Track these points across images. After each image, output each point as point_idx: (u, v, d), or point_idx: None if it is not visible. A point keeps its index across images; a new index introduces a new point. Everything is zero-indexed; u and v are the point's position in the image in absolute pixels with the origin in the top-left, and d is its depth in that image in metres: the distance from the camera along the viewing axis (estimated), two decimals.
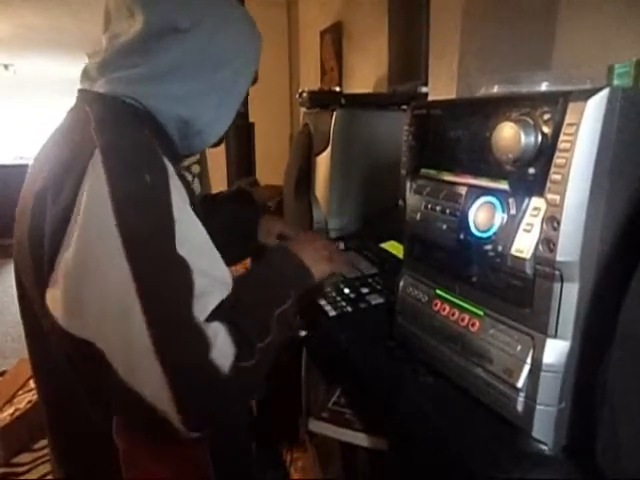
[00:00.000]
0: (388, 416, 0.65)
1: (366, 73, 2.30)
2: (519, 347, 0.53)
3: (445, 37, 1.50)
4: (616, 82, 0.75)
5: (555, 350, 0.50)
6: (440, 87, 1.54)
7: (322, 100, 1.40)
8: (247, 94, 0.77)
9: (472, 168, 0.58)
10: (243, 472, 0.78)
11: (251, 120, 2.50)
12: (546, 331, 0.50)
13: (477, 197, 0.57)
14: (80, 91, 0.68)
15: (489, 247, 0.55)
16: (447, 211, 0.62)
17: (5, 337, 2.96)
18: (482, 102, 0.58)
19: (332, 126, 1.29)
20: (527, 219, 0.50)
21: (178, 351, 0.54)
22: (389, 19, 1.94)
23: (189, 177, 2.49)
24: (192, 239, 0.59)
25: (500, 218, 0.54)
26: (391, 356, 0.72)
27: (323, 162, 1.35)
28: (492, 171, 0.54)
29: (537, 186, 0.48)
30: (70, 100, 0.69)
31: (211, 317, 0.58)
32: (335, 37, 2.62)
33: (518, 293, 0.52)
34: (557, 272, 0.48)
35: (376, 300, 0.89)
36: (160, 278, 0.55)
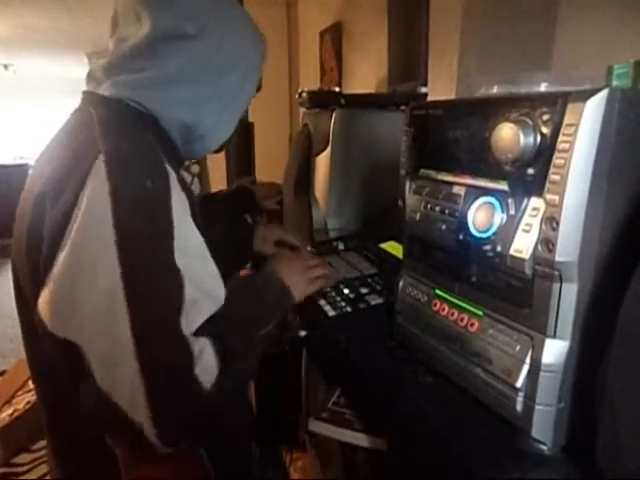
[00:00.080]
0: (388, 416, 0.66)
1: (366, 73, 2.31)
2: (518, 347, 0.53)
3: (445, 37, 1.50)
4: (615, 83, 0.75)
5: (554, 350, 0.50)
6: (440, 87, 1.54)
7: (322, 100, 1.40)
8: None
9: (471, 168, 0.58)
10: (243, 472, 0.78)
11: (251, 120, 2.49)
12: (545, 331, 0.50)
13: (476, 197, 0.57)
14: (85, 93, 0.68)
15: (488, 247, 0.55)
16: (446, 211, 0.62)
17: (4, 337, 2.95)
18: (481, 102, 0.58)
19: (332, 126, 1.29)
20: (526, 219, 0.50)
21: (162, 363, 0.54)
22: (389, 19, 1.94)
23: (189, 177, 2.49)
24: (189, 249, 0.59)
25: (499, 218, 0.54)
26: (391, 356, 0.72)
27: (323, 162, 1.35)
28: (491, 171, 0.54)
29: (536, 186, 0.49)
30: (70, 100, 0.69)
31: (198, 331, 0.58)
32: (335, 37, 2.62)
33: (517, 293, 0.52)
34: (556, 272, 0.48)
35: (375, 300, 0.90)
36: (151, 285, 0.55)
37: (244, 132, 2.44)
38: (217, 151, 0.79)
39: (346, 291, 0.94)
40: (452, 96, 1.32)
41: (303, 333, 0.91)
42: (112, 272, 0.52)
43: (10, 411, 1.97)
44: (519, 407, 0.52)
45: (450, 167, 0.62)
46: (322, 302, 0.90)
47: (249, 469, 0.79)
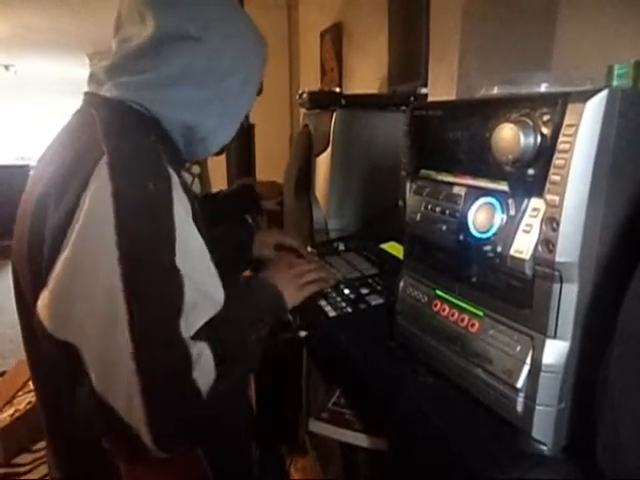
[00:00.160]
0: (388, 416, 0.66)
1: (366, 74, 2.31)
2: (519, 347, 0.53)
3: (445, 38, 1.50)
4: (615, 83, 0.75)
5: (554, 350, 0.50)
6: (440, 88, 1.54)
7: (322, 101, 1.40)
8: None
9: (472, 169, 0.58)
10: (243, 472, 0.78)
11: (251, 121, 2.49)
12: (545, 332, 0.50)
13: (477, 198, 0.57)
14: (87, 94, 0.68)
15: (488, 248, 0.55)
16: (447, 212, 0.62)
17: (4, 338, 2.95)
18: (482, 103, 0.58)
19: (332, 127, 1.29)
20: (526, 220, 0.50)
21: (159, 366, 0.54)
22: (389, 20, 1.94)
23: (189, 178, 2.49)
24: (190, 252, 0.59)
25: (499, 219, 0.54)
26: (391, 356, 0.72)
27: (323, 163, 1.35)
28: (491, 172, 0.54)
29: (536, 187, 0.49)
30: (71, 100, 0.69)
31: (196, 335, 0.58)
32: (335, 38, 2.62)
33: (517, 294, 0.52)
34: (556, 273, 0.48)
35: (376, 301, 0.90)
36: (151, 287, 0.55)
37: (245, 132, 2.44)
38: (218, 153, 0.79)
39: (346, 291, 0.94)
40: (452, 96, 1.32)
41: (303, 333, 0.91)
42: (112, 273, 0.52)
43: (11, 411, 1.97)
44: (519, 407, 0.52)
45: (450, 168, 0.62)
46: (322, 302, 0.91)
47: (249, 469, 0.79)
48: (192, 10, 0.65)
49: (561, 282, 0.48)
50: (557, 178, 0.46)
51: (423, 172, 0.68)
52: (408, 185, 0.71)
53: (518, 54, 1.20)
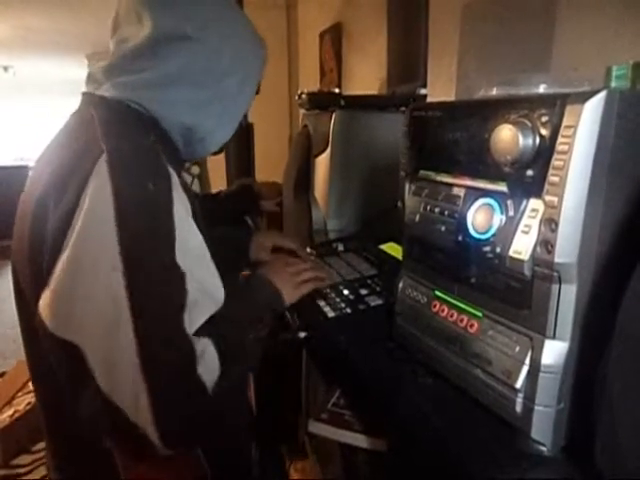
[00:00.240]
0: (387, 417, 0.66)
1: (365, 74, 2.31)
2: (518, 348, 0.53)
3: (444, 38, 1.50)
4: (614, 84, 0.75)
5: (553, 351, 0.50)
6: (439, 88, 1.55)
7: (321, 101, 1.41)
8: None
9: (470, 170, 0.58)
10: (242, 472, 0.78)
11: (250, 121, 2.49)
12: (544, 332, 0.50)
13: (475, 199, 0.58)
14: (85, 94, 0.68)
15: (487, 248, 0.55)
16: (446, 213, 0.62)
17: (4, 338, 2.95)
18: (480, 104, 0.58)
19: (331, 127, 1.29)
20: (525, 221, 0.51)
21: (164, 363, 0.54)
22: (388, 20, 1.94)
23: (189, 178, 2.49)
24: (191, 250, 0.59)
25: (498, 220, 0.54)
26: (390, 357, 0.72)
27: (322, 163, 1.35)
28: (490, 173, 0.54)
29: (535, 188, 0.49)
30: (70, 101, 0.69)
31: (198, 332, 0.58)
32: (334, 38, 2.62)
33: (516, 294, 0.53)
34: (555, 273, 0.48)
35: (375, 301, 0.90)
36: (154, 284, 0.55)
37: (244, 133, 2.44)
38: (217, 152, 0.79)
39: (346, 292, 0.94)
40: (451, 97, 1.32)
41: (303, 334, 0.91)
42: (114, 271, 0.52)
43: (10, 412, 1.97)
44: (518, 408, 0.52)
45: (449, 168, 0.62)
46: (322, 303, 0.91)
47: (248, 470, 0.79)
48: (189, 10, 0.65)
49: (560, 283, 0.48)
50: (556, 179, 0.46)
51: (422, 173, 0.68)
52: (407, 186, 0.71)
53: (517, 55, 1.20)
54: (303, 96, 1.42)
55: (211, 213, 0.74)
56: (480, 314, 0.59)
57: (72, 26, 4.15)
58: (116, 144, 0.57)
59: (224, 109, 0.71)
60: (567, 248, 0.47)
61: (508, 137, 0.49)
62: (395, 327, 0.75)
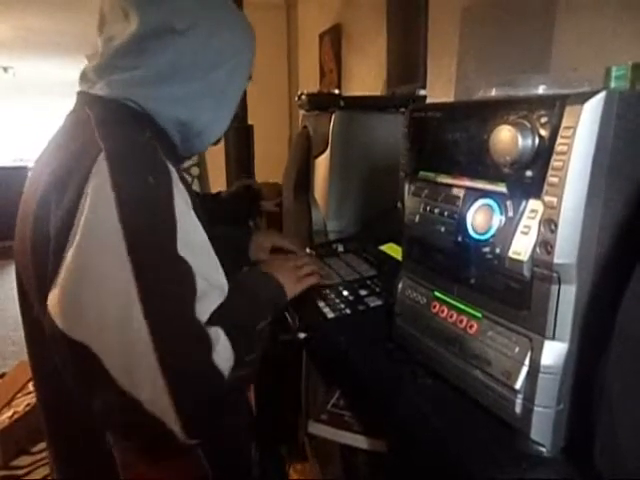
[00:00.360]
0: (387, 418, 0.66)
1: (365, 75, 2.31)
2: (517, 349, 0.53)
3: (444, 40, 1.50)
4: (613, 85, 0.75)
5: (553, 352, 0.50)
6: (438, 89, 1.55)
7: (321, 102, 1.41)
8: (245, 95, 0.78)
9: (470, 171, 0.58)
10: (242, 473, 0.78)
11: (250, 122, 2.50)
12: (544, 333, 0.50)
13: (475, 199, 0.58)
14: (79, 93, 0.68)
15: (487, 249, 0.55)
16: (445, 213, 0.62)
17: (5, 340, 2.95)
18: (480, 105, 0.58)
19: (331, 128, 1.29)
20: (524, 221, 0.51)
21: (180, 353, 0.54)
22: (388, 21, 1.95)
23: (188, 179, 2.50)
24: (193, 242, 0.59)
25: (498, 220, 0.54)
26: (390, 358, 0.72)
27: (322, 164, 1.35)
28: (490, 174, 0.54)
29: (534, 188, 0.49)
30: (70, 102, 0.69)
31: (209, 321, 0.58)
32: (334, 39, 2.62)
33: (516, 295, 0.53)
34: (554, 274, 0.48)
35: (375, 302, 0.90)
36: (163, 278, 0.55)
37: (243, 134, 2.45)
38: (215, 143, 0.79)
39: (345, 293, 0.94)
40: (451, 98, 1.32)
41: (303, 335, 0.91)
42: (121, 264, 0.52)
43: (10, 413, 1.97)
44: (518, 409, 0.52)
45: (449, 169, 0.62)
46: (321, 304, 0.91)
47: (248, 470, 0.79)
48: (176, 4, 0.65)
49: (559, 283, 0.48)
50: (555, 180, 0.46)
51: (422, 174, 0.68)
52: (407, 186, 0.71)
53: (516, 56, 1.20)
54: (303, 97, 1.42)
55: (211, 213, 0.74)
56: (480, 315, 0.59)
57: (72, 27, 4.16)
58: (113, 142, 0.57)
59: (217, 101, 0.71)
60: (566, 249, 0.47)
61: (507, 138, 0.49)
62: (395, 328, 0.75)
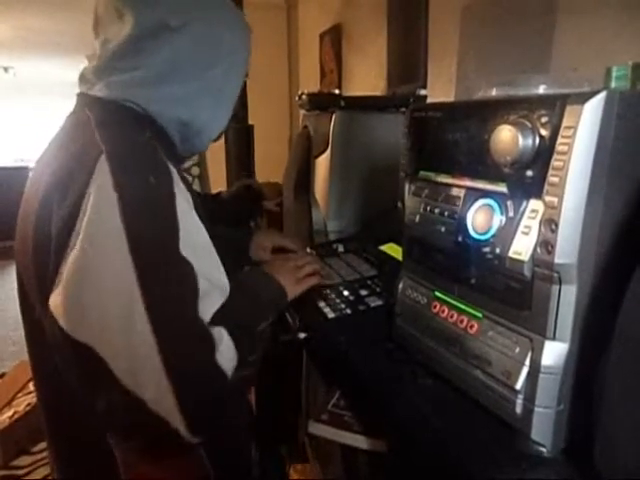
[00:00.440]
0: (387, 418, 0.65)
1: (365, 75, 2.31)
2: (518, 349, 0.53)
3: (444, 39, 1.50)
4: (614, 85, 0.75)
5: (553, 352, 0.50)
6: (439, 89, 1.55)
7: (321, 102, 1.41)
8: (245, 95, 0.78)
9: (470, 170, 0.58)
10: (243, 473, 0.78)
11: (250, 122, 2.50)
12: (544, 333, 0.50)
13: (475, 199, 0.58)
14: (79, 95, 0.68)
15: (487, 249, 0.55)
16: (445, 213, 0.62)
17: (5, 340, 2.96)
18: (480, 105, 0.58)
19: (331, 128, 1.29)
20: (525, 221, 0.51)
21: (184, 353, 0.54)
22: (388, 21, 1.95)
23: (189, 179, 2.50)
24: (195, 242, 0.59)
25: (498, 220, 0.54)
26: (390, 358, 0.72)
27: (322, 164, 1.35)
28: (490, 173, 0.54)
29: (535, 188, 0.49)
30: (70, 103, 0.69)
31: (212, 321, 0.58)
32: (335, 39, 2.63)
33: (516, 295, 0.52)
34: (555, 274, 0.48)
35: (375, 302, 0.89)
36: (165, 278, 0.55)
37: (244, 134, 2.44)
38: (214, 140, 0.79)
39: (346, 293, 0.94)
40: (451, 98, 1.32)
41: (303, 335, 0.91)
42: (126, 270, 0.52)
43: (10, 413, 1.97)
44: (518, 409, 0.52)
45: (449, 169, 0.62)
46: (322, 304, 0.91)
47: (249, 470, 0.79)
48: (170, 2, 0.64)
49: (560, 283, 0.48)
50: (555, 180, 0.46)
51: (422, 173, 0.68)
52: (407, 186, 0.71)
53: (517, 56, 1.20)
54: (303, 97, 1.42)
55: (212, 213, 0.74)
56: (480, 315, 0.59)
57: (73, 27, 4.15)
58: (114, 143, 0.57)
59: (215, 100, 0.71)
60: (567, 249, 0.47)
61: (508, 138, 0.49)
62: (395, 328, 0.75)
